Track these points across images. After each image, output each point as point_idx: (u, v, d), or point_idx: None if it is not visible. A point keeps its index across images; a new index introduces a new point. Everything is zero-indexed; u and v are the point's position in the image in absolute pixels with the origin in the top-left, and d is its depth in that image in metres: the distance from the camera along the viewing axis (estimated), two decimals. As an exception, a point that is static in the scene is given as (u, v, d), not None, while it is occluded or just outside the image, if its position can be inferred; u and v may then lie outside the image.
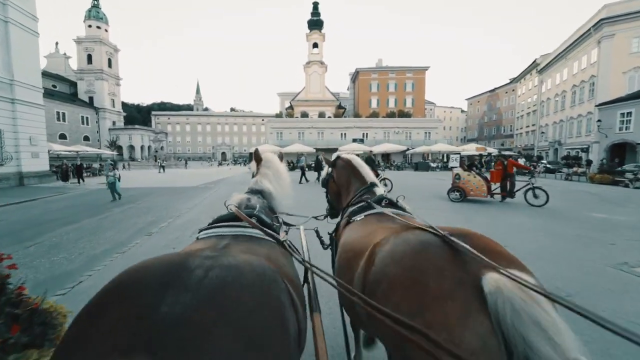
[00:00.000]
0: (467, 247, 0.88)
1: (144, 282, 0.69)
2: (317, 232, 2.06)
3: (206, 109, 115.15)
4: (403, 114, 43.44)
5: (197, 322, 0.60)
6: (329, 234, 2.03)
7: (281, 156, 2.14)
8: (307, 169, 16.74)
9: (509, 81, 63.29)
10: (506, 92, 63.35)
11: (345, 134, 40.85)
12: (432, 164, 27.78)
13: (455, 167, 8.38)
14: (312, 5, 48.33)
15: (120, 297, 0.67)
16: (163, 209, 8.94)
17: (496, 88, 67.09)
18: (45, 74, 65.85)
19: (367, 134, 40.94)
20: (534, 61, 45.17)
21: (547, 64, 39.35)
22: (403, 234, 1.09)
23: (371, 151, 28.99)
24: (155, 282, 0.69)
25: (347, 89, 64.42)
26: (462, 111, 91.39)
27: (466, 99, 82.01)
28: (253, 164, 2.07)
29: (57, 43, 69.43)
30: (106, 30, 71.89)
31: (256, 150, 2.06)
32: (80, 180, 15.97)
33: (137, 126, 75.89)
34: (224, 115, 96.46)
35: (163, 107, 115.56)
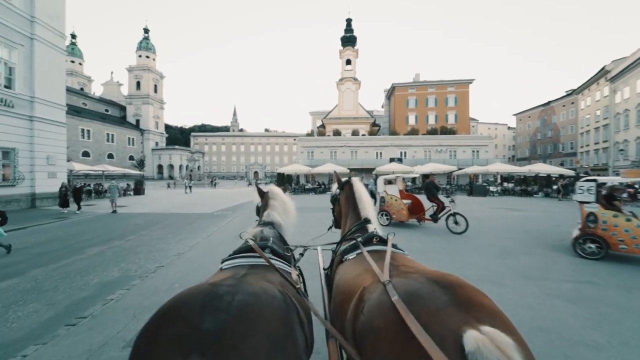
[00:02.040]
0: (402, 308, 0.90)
1: (188, 307, 0.93)
2: (333, 252, 2.17)
3: (241, 130, 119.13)
4: (446, 131, 39.42)
5: (230, 333, 0.85)
6: (324, 269, 2.05)
7: (285, 189, 2.51)
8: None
9: (565, 94, 56.53)
10: (564, 106, 56.39)
11: (381, 152, 37.76)
12: (492, 188, 23.42)
13: (588, 201, 4.69)
14: (345, 22, 47.47)
15: (173, 318, 0.91)
16: (149, 252, 6.59)
17: (551, 101, 60.23)
18: (101, 100, 72.21)
19: (405, 152, 37.49)
20: (603, 68, 39.17)
21: (623, 70, 33.51)
22: (378, 284, 1.14)
23: (414, 173, 25.51)
24: (197, 307, 0.93)
25: (382, 106, 61.76)
26: (509, 128, 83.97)
27: (514, 115, 75.06)
28: (257, 197, 2.39)
29: (112, 72, 76.46)
30: (154, 59, 77.68)
31: (257, 186, 2.50)
32: (77, 206, 12.85)
33: (176, 146, 79.42)
34: (257, 135, 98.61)
35: (203, 128, 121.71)
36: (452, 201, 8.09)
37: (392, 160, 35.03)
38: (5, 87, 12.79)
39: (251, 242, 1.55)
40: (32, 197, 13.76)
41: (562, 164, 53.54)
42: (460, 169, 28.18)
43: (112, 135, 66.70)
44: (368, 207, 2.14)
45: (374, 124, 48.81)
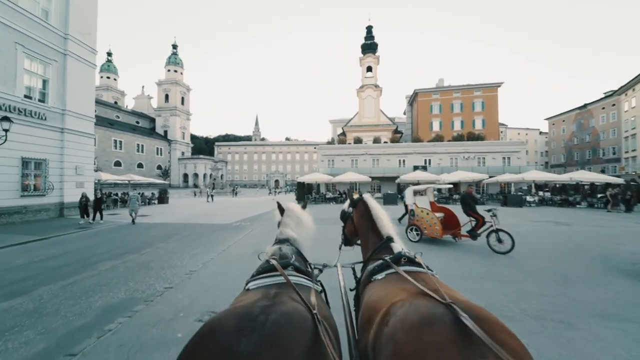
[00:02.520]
0: (478, 330, 0.89)
1: (223, 331, 0.98)
2: (354, 270, 2.26)
3: (263, 139, 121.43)
4: (473, 137, 37.46)
5: (265, 353, 0.89)
6: (351, 289, 2.03)
7: (305, 205, 2.45)
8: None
9: (604, 95, 52.40)
10: (603, 108, 52.24)
11: (404, 160, 36.45)
12: (528, 198, 21.54)
13: None
14: (365, 30, 47.12)
15: (212, 339, 0.96)
16: (160, 269, 6.19)
17: (588, 104, 56.10)
18: (133, 112, 76.30)
19: (429, 160, 35.95)
20: (650, 67, 35.78)
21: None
22: (418, 301, 1.14)
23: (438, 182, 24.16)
24: (232, 328, 0.98)
25: (404, 113, 60.35)
26: (541, 133, 79.17)
27: (546, 119, 70.71)
28: (277, 213, 2.36)
29: (143, 86, 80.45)
30: (181, 73, 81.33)
31: (278, 204, 2.41)
32: (97, 216, 12.67)
33: (201, 156, 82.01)
34: (278, 144, 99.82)
35: (227, 138, 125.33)
36: (494, 215, 7.08)
37: (416, 168, 33.66)
38: (40, 100, 13.35)
39: (273, 262, 1.57)
40: (61, 207, 14.14)
41: (603, 171, 49.25)
42: (491, 176, 26.39)
43: (142, 145, 69.96)
44: (388, 225, 2.08)
45: (396, 131, 47.57)
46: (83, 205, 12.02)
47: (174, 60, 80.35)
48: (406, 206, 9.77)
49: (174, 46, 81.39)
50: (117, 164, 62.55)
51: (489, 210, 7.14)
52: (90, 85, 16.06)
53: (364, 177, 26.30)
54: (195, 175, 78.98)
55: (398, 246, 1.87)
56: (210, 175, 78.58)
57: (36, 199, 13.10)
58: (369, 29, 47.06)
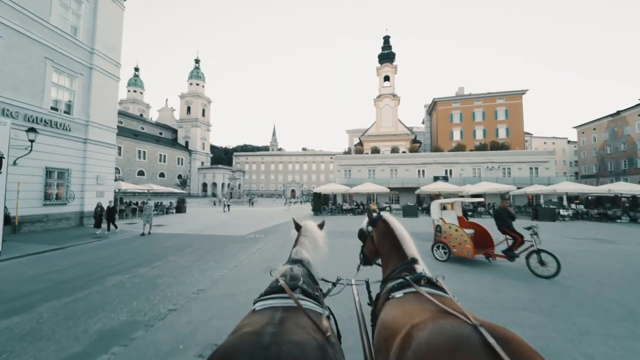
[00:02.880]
0: (503, 354, 0.88)
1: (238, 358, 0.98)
2: (367, 283, 2.33)
3: (280, 149, 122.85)
4: (497, 146, 35.82)
5: None
6: (368, 304, 2.06)
7: (322, 224, 2.39)
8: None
9: (639, 102, 48.99)
10: (639, 115, 48.81)
11: (423, 170, 35.29)
12: (562, 211, 19.93)
13: None
14: (383, 40, 46.96)
15: None
16: (168, 286, 5.84)
17: (621, 111, 52.68)
18: (156, 124, 79.44)
19: (450, 170, 34.60)
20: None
21: None
22: (442, 322, 1.11)
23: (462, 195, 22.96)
24: (246, 359, 0.98)
25: (422, 122, 59.12)
26: (569, 142, 75.13)
27: (575, 127, 67.06)
28: (294, 231, 2.34)
29: (166, 99, 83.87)
30: (202, 86, 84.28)
31: (294, 221, 2.40)
32: (111, 227, 12.62)
33: (219, 166, 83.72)
34: (294, 154, 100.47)
35: (245, 148, 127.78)
36: (535, 234, 6.25)
37: (436, 178, 32.39)
38: (65, 112, 13.80)
39: (281, 282, 1.58)
40: (81, 215, 14.37)
41: (642, 182, 45.62)
42: (519, 188, 24.83)
43: (164, 155, 72.39)
44: (412, 246, 2.05)
45: (414, 141, 46.47)
46: (98, 215, 12.01)
47: (196, 74, 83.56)
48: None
49: (196, 61, 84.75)
50: (140, 173, 64.87)
51: (528, 228, 6.32)
52: (114, 97, 16.54)
53: (381, 188, 25.49)
54: (214, 184, 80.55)
55: (420, 267, 1.85)
56: (228, 184, 79.94)
57: (58, 208, 13.36)
58: (386, 39, 46.88)
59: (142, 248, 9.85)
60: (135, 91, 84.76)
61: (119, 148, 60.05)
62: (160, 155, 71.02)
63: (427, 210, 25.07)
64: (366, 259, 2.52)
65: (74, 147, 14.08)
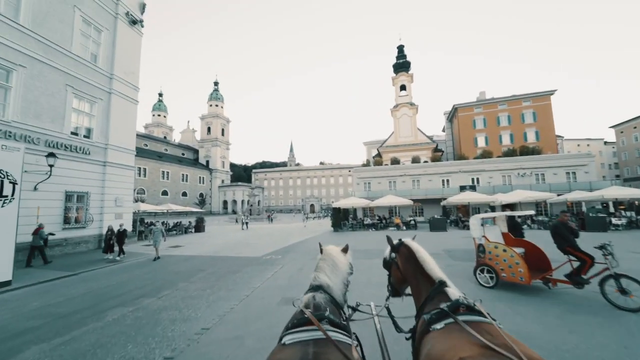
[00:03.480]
0: None
1: None
2: (388, 309, 2.35)
3: (298, 165, 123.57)
4: (527, 151, 33.52)
5: None
6: (398, 331, 2.18)
7: (346, 248, 2.32)
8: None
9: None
10: (689, 111, 44.46)
11: (447, 180, 33.54)
12: (616, 220, 17.70)
13: None
14: (397, 49, 46.49)
15: None
16: (171, 322, 5.17)
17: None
18: (179, 145, 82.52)
19: (477, 178, 32.62)
20: None
21: None
22: None
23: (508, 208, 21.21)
24: None
25: (442, 131, 57.22)
26: (606, 143, 69.93)
27: (612, 127, 62.41)
28: (319, 255, 2.30)
29: (188, 121, 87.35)
30: (222, 107, 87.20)
31: (320, 246, 2.37)
32: (121, 253, 11.94)
33: (239, 183, 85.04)
34: (312, 169, 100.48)
35: (263, 165, 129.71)
36: (609, 254, 5.01)
37: (462, 188, 30.50)
38: (85, 136, 14.03)
39: (307, 313, 1.57)
40: (99, 238, 14.28)
41: (701, 184, 40.96)
42: (559, 194, 22.64)
43: (187, 175, 74.50)
44: (436, 267, 1.99)
45: (436, 149, 44.77)
46: (107, 239, 11.57)
47: (215, 96, 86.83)
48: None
49: (215, 83, 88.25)
50: (164, 193, 66.86)
51: (600, 247, 5.08)
52: (132, 120, 16.80)
53: (404, 200, 24.15)
54: (234, 201, 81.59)
55: (454, 291, 1.76)
56: (248, 201, 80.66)
57: (77, 231, 13.33)
58: (400, 48, 46.38)
59: (153, 274, 9.33)
60: (159, 115, 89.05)
61: (144, 170, 62.48)
62: (183, 175, 73.14)
63: (456, 223, 23.34)
64: (394, 290, 2.44)
65: (93, 170, 14.19)
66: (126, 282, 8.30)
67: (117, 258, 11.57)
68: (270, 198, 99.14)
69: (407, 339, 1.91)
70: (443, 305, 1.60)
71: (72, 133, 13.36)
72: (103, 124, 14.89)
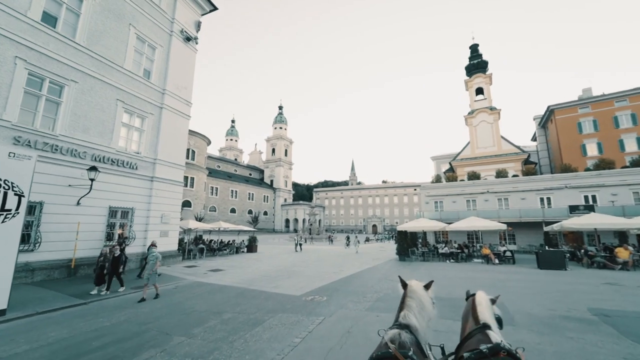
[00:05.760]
0: None
1: None
2: (442, 349, 2.29)
3: (359, 183, 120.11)
4: (673, 158, 24.23)
5: None
6: None
7: (429, 285, 2.29)
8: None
9: None
10: None
11: (548, 198, 26.24)
12: None
13: None
14: (469, 49, 40.89)
15: None
16: None
17: None
18: (247, 166, 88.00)
19: (594, 196, 24.66)
20: None
21: None
22: None
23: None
24: None
25: (534, 139, 47.64)
26: None
27: None
28: (400, 288, 2.30)
29: (255, 144, 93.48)
30: (285, 129, 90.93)
31: (400, 279, 2.35)
32: (120, 286, 9.31)
33: (300, 202, 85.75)
34: (374, 187, 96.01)
35: (325, 184, 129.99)
36: None
37: (573, 208, 23.16)
38: (133, 151, 13.78)
39: (392, 349, 1.60)
40: (143, 257, 13.50)
41: None
42: None
43: (252, 194, 78.20)
44: (486, 312, 2.00)
45: (527, 161, 36.71)
46: (99, 268, 8.80)
47: (279, 119, 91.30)
48: None
49: (280, 107, 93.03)
50: (232, 210, 70.78)
51: None
52: (183, 135, 16.47)
53: (495, 224, 18.83)
54: (296, 220, 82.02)
55: (496, 335, 1.76)
56: (308, 220, 79.96)
57: (119, 250, 12.69)
58: (474, 47, 40.65)
59: (163, 311, 7.37)
60: (231, 139, 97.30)
61: (216, 189, 67.30)
62: (249, 193, 76.91)
63: (577, 258, 16.86)
64: None
65: (140, 185, 13.77)
66: (129, 321, 6.41)
67: (102, 293, 8.69)
68: (332, 217, 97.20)
69: None
70: (483, 347, 1.59)
71: (120, 147, 13.16)
72: (152, 139, 14.64)
